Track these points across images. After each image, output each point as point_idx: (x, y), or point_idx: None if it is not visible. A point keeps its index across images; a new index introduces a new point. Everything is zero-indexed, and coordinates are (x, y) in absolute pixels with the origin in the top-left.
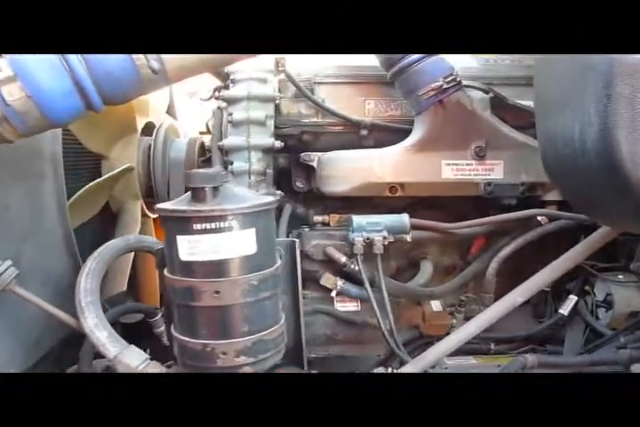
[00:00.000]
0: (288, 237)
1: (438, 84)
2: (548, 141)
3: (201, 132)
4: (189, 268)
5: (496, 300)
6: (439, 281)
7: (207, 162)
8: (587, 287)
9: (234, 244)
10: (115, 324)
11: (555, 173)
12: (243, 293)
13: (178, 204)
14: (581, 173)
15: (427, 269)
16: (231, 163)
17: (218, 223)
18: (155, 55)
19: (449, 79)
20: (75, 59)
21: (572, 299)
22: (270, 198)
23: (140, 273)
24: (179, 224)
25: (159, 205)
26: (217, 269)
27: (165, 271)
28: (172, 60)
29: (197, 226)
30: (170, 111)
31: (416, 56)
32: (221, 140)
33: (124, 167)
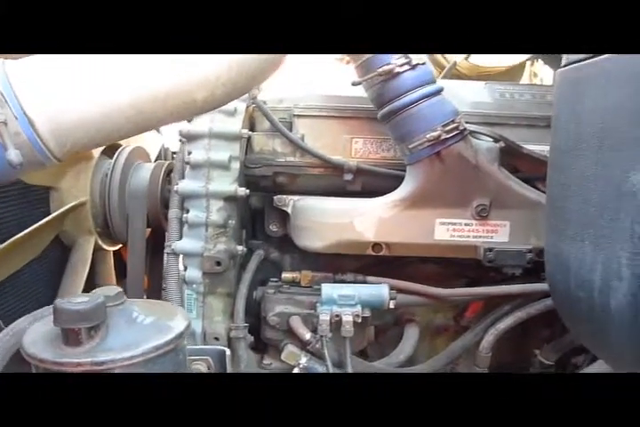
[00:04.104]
0: (252, 295)
1: (435, 133)
2: (559, 265)
3: (174, 153)
4: None
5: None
6: (428, 343)
7: None
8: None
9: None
10: None
11: (560, 301)
12: None
13: (47, 344)
14: (598, 326)
15: (410, 338)
16: (187, 211)
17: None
18: (27, 146)
19: (449, 127)
20: None
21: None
22: (175, 333)
23: (97, 274)
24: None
25: (23, 339)
26: None
27: None
28: (54, 136)
29: None
30: None
31: (412, 97)
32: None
33: (70, 205)
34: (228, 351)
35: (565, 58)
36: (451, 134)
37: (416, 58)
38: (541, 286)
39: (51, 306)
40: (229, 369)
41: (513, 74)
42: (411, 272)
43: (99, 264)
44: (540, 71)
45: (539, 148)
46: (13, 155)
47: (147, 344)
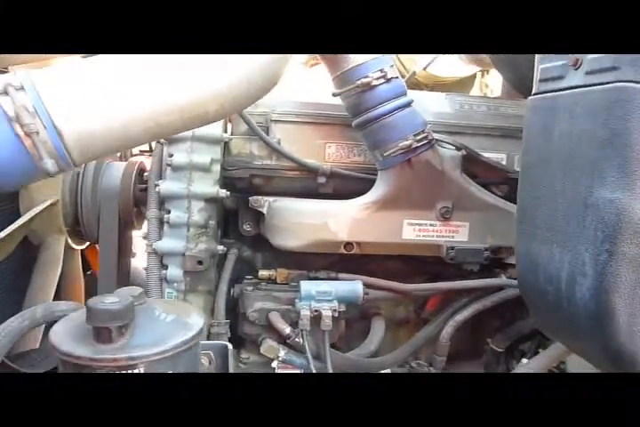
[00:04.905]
0: (230, 292)
1: (407, 142)
2: (530, 264)
3: (141, 151)
4: None
5: (448, 362)
6: (391, 335)
7: (146, 191)
8: (540, 350)
9: None
10: None
11: (530, 296)
12: None
13: (77, 342)
14: (564, 316)
15: (378, 331)
16: (168, 211)
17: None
18: (53, 155)
19: (420, 137)
20: None
21: (524, 363)
22: (196, 329)
23: (64, 272)
24: (74, 370)
25: (50, 337)
26: None
27: None
28: (78, 145)
29: None
30: None
31: (386, 107)
32: (160, 179)
33: (44, 207)
34: (230, 346)
35: (536, 88)
36: (421, 143)
37: (390, 72)
38: (496, 281)
39: (39, 305)
40: (231, 363)
41: (465, 84)
42: (374, 269)
43: (66, 263)
44: (490, 82)
45: (493, 155)
46: (50, 164)
47: (174, 340)
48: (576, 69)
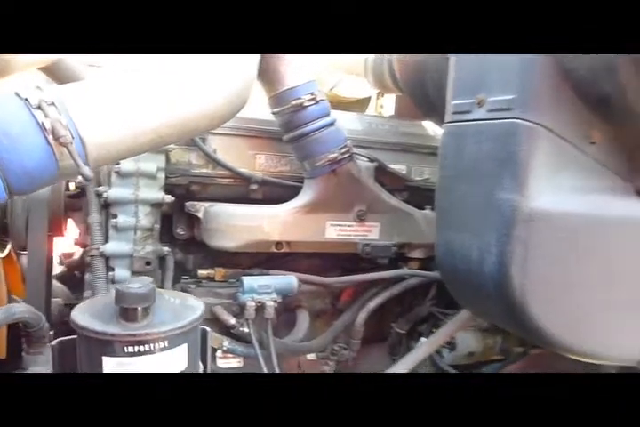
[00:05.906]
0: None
1: (334, 155)
2: (447, 251)
3: None
4: None
5: (363, 344)
6: (310, 325)
7: (76, 198)
8: (434, 330)
9: (165, 362)
10: None
11: (448, 276)
12: None
13: (102, 321)
14: (475, 287)
15: (303, 321)
16: (115, 216)
17: (151, 345)
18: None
19: (343, 151)
20: None
21: (423, 341)
22: (200, 309)
23: None
24: (105, 346)
25: (77, 322)
26: None
27: None
28: (95, 154)
29: (128, 349)
30: None
31: (316, 125)
32: (98, 185)
33: None
34: (209, 330)
35: (449, 117)
36: (344, 156)
37: (319, 95)
38: (401, 272)
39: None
40: (209, 347)
41: (362, 104)
42: (297, 266)
43: None
44: (384, 103)
45: (396, 166)
46: (87, 171)
47: (188, 318)
48: (480, 107)
